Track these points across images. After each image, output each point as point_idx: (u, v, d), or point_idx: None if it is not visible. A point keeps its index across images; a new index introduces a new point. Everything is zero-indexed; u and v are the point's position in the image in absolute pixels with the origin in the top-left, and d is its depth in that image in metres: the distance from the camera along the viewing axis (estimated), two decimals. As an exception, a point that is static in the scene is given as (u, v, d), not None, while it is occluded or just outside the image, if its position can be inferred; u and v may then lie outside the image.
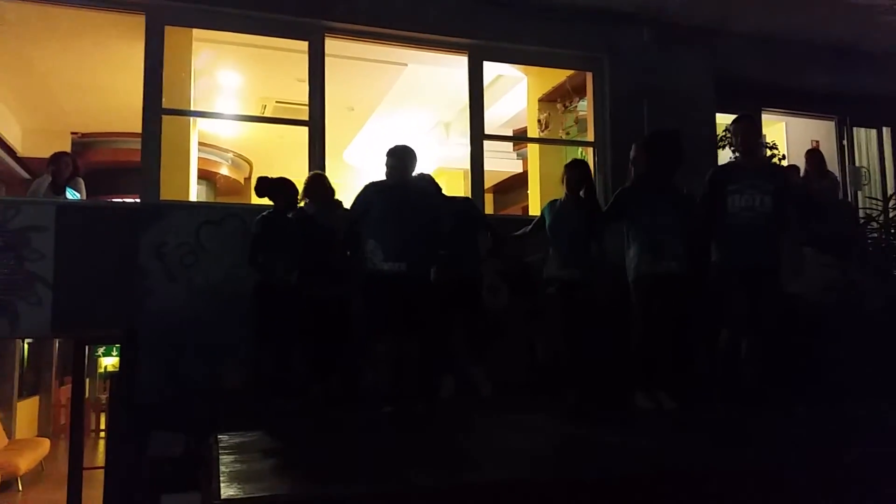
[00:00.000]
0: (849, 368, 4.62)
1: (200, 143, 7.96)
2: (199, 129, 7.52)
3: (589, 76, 6.57)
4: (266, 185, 4.77)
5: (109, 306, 4.98)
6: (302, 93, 5.82)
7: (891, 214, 6.28)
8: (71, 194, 5.73)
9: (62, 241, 4.92)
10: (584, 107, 7.03)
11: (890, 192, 7.24)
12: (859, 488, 2.89)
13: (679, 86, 6.34)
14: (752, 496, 2.77)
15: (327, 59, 5.73)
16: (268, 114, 8.53)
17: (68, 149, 7.54)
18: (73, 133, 8.62)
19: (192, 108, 6.42)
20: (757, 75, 6.62)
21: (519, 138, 8.92)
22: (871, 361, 4.67)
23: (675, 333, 4.38)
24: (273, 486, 2.63)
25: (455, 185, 8.51)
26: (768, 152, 6.63)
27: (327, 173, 5.24)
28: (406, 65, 7.50)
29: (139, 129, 5.31)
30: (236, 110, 8.56)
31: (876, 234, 6.09)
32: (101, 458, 7.84)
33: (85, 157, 8.13)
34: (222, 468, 2.75)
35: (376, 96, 8.40)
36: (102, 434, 10.84)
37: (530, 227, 5.02)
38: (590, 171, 5.05)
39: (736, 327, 4.32)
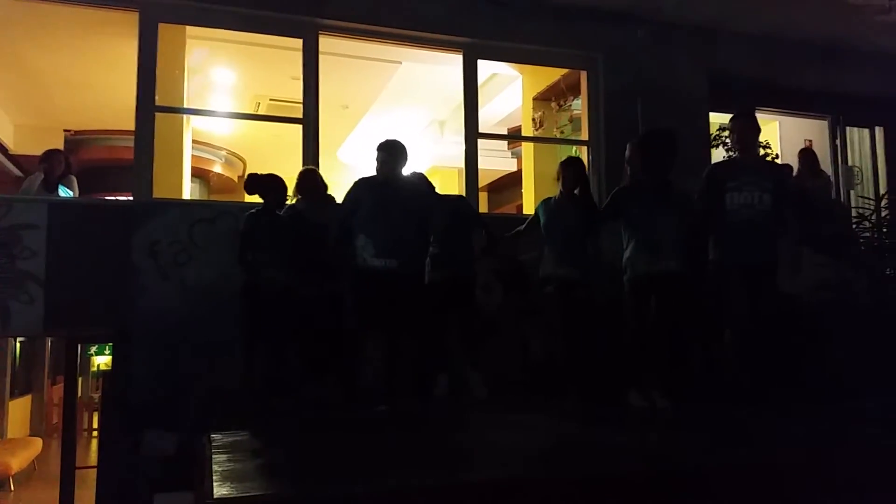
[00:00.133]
0: (842, 367, 4.64)
1: (194, 141, 7.94)
2: (192, 126, 7.51)
3: (583, 75, 6.58)
4: (255, 183, 4.75)
5: (102, 305, 4.96)
6: (296, 90, 5.80)
7: (883, 214, 6.31)
8: (63, 192, 5.70)
9: (54, 239, 4.90)
10: (579, 105, 7.05)
11: (882, 191, 7.27)
12: (854, 486, 2.90)
13: (673, 85, 6.36)
14: (748, 495, 2.77)
15: (321, 57, 5.71)
16: (262, 111, 8.52)
17: (61, 146, 7.50)
18: (65, 130, 8.57)
19: (185, 106, 6.39)
20: (751, 74, 6.64)
21: (513, 137, 8.93)
22: (865, 360, 4.69)
23: (670, 332, 4.39)
24: (266, 486, 2.63)
25: (449, 184, 8.50)
26: (761, 151, 6.65)
27: (321, 172, 5.22)
28: (400, 63, 7.50)
29: (132, 127, 5.28)
30: (230, 108, 8.54)
31: (868, 234, 6.12)
32: (93, 457, 7.84)
33: (77, 154, 8.09)
34: (215, 467, 2.73)
35: (370, 94, 8.39)
36: (95, 433, 10.81)
37: (524, 225, 5.03)
38: (585, 168, 5.05)
39: (737, 326, 4.31)
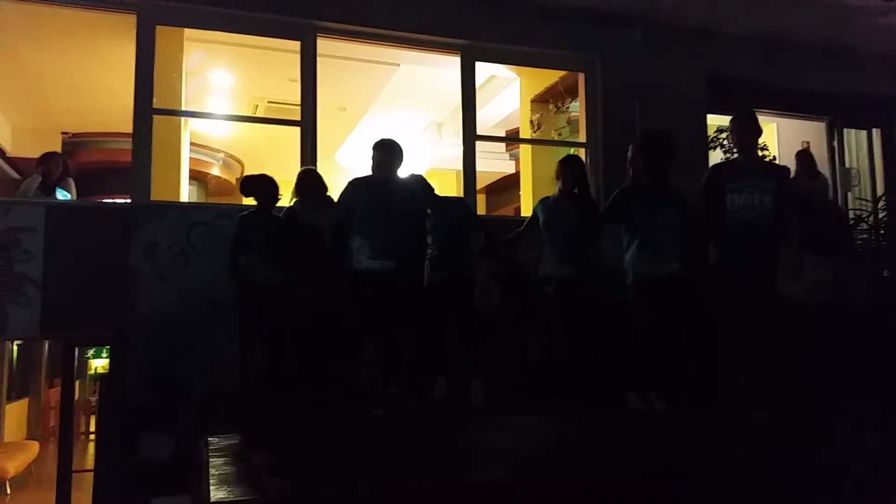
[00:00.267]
0: (840, 369, 4.64)
1: (192, 144, 7.92)
2: (190, 129, 7.49)
3: (581, 77, 6.58)
4: (247, 184, 4.74)
5: (99, 307, 4.95)
6: (294, 93, 5.80)
7: (880, 215, 6.32)
8: (61, 194, 5.69)
9: (52, 242, 4.89)
10: (577, 108, 7.05)
11: (879, 193, 7.28)
12: (854, 486, 2.89)
13: (671, 86, 6.36)
14: (748, 495, 2.77)
15: (319, 59, 5.71)
16: (259, 114, 8.51)
17: (58, 149, 7.49)
18: (63, 133, 8.57)
19: (183, 108, 6.39)
20: (748, 76, 6.65)
21: (511, 139, 8.93)
22: (863, 361, 4.69)
23: (671, 334, 4.38)
24: (263, 489, 2.62)
25: (448, 186, 8.50)
26: (759, 153, 6.66)
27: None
28: (398, 65, 7.49)
29: (130, 129, 5.28)
30: (228, 110, 8.53)
31: (866, 235, 6.13)
32: (90, 460, 7.82)
33: (75, 157, 8.09)
34: (212, 470, 2.73)
35: (368, 96, 8.39)
36: (92, 436, 10.77)
37: (523, 227, 5.01)
38: (584, 166, 5.04)
39: (739, 327, 4.31)
